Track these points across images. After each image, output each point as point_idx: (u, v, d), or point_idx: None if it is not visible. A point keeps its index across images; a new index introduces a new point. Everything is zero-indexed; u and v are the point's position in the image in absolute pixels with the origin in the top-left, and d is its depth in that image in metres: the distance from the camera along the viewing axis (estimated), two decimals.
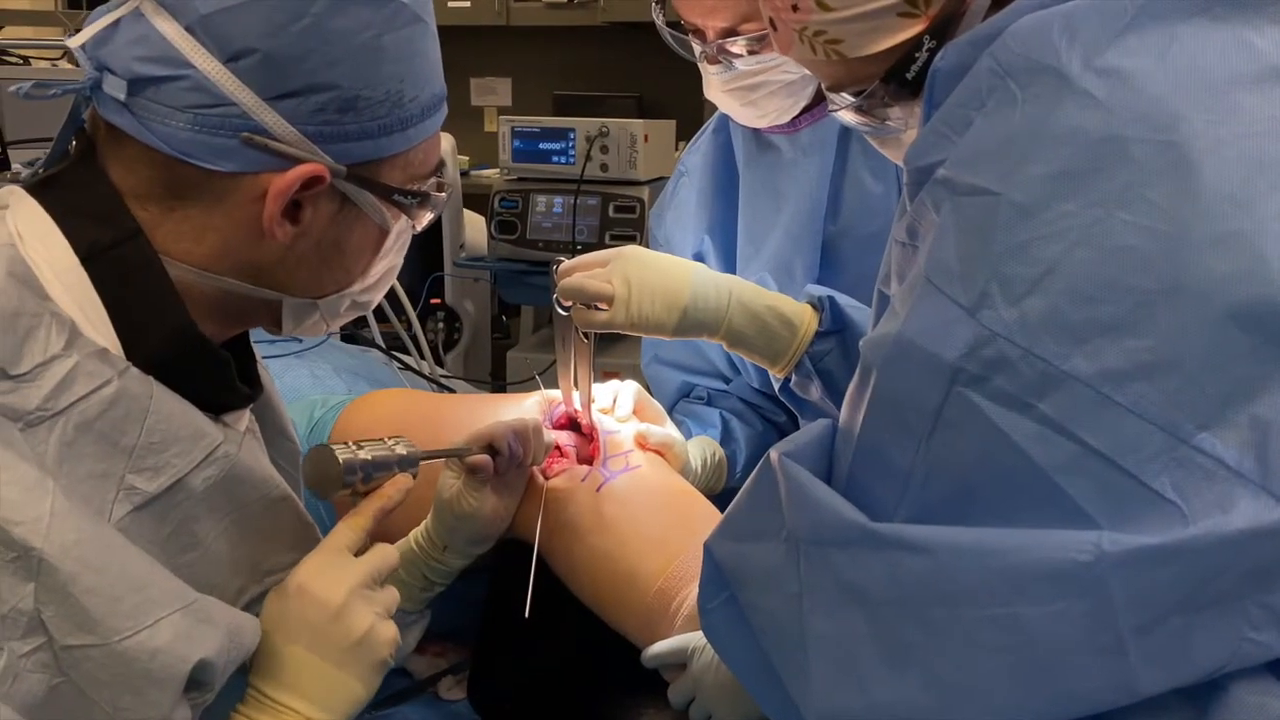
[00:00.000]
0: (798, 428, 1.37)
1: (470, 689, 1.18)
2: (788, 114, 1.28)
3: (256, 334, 0.91)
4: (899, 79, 0.80)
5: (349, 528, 0.85)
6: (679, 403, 1.47)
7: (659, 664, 1.01)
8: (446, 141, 0.85)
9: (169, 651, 0.68)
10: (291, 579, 0.81)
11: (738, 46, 1.21)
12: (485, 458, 1.03)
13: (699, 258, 1.35)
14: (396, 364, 1.73)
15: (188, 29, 0.72)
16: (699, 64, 1.27)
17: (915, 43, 0.79)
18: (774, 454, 0.76)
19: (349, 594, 0.80)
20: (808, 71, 1.20)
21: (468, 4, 3.27)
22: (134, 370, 0.74)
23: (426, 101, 0.81)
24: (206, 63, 0.72)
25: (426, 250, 2.57)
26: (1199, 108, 0.63)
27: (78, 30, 0.77)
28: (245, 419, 0.85)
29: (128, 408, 0.72)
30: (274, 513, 0.85)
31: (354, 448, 0.89)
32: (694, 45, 1.26)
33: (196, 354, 0.78)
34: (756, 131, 1.34)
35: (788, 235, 1.32)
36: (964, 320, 0.64)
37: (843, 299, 1.16)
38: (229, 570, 0.82)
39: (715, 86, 1.27)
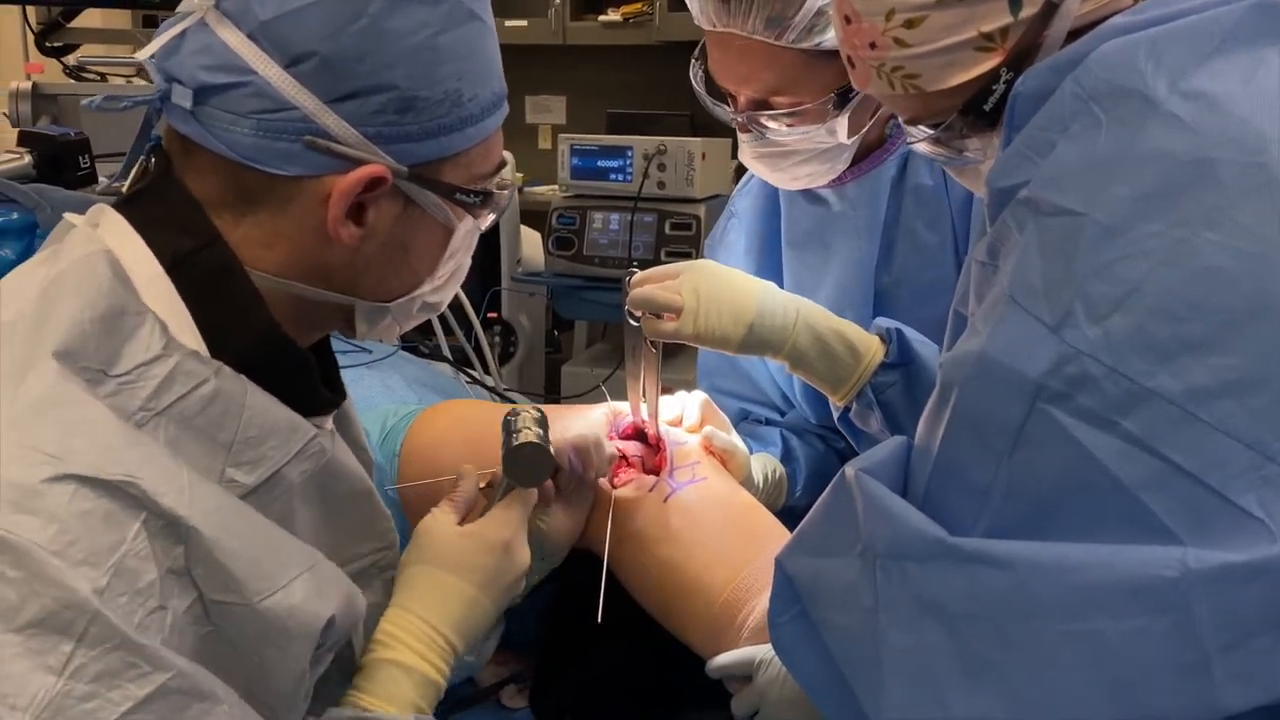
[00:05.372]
0: (856, 454, 1.36)
1: (533, 698, 1.19)
2: (823, 178, 1.25)
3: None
4: (976, 110, 0.81)
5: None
6: (738, 425, 1.47)
7: (724, 675, 1.01)
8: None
9: (303, 609, 0.72)
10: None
11: (765, 117, 1.19)
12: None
13: None
14: (465, 377, 1.75)
15: (249, 36, 0.73)
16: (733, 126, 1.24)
17: (992, 75, 0.79)
18: (850, 470, 0.77)
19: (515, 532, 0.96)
20: (842, 140, 1.19)
21: (524, 23, 3.32)
22: (227, 369, 0.75)
23: (486, 100, 0.81)
24: (268, 68, 0.73)
25: (484, 265, 2.61)
26: None
27: None
28: (329, 424, 0.87)
29: (225, 404, 0.74)
30: (357, 505, 0.89)
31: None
32: (726, 110, 1.23)
33: (281, 355, 0.79)
34: None
35: (837, 286, 1.30)
36: (1048, 338, 0.65)
37: (911, 333, 1.15)
38: None
39: (746, 152, 1.25)
